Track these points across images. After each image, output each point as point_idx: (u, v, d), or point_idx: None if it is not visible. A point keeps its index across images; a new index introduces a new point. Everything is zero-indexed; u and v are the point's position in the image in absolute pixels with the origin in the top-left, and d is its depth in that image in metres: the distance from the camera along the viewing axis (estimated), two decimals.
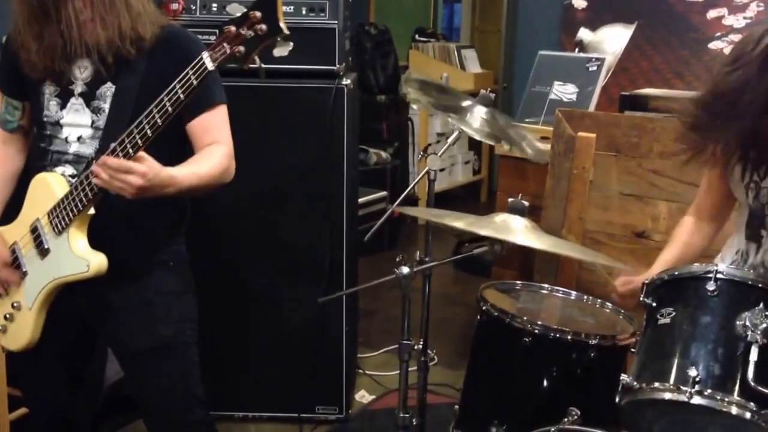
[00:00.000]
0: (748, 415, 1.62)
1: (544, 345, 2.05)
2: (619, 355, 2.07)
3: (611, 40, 4.19)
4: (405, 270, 2.04)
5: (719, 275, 1.75)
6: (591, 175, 2.95)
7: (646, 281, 1.90)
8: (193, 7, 2.85)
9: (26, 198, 2.02)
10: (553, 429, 1.94)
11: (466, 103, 2.51)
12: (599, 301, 2.30)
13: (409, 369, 2.20)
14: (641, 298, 1.90)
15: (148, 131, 1.76)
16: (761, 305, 1.68)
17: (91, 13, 1.87)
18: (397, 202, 2.44)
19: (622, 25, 4.21)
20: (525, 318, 2.09)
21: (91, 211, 1.90)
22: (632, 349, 1.98)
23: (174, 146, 1.99)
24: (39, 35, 1.90)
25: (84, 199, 1.86)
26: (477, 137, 2.45)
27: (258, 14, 1.65)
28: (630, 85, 3.99)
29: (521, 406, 2.10)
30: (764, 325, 1.64)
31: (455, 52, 6.70)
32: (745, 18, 3.94)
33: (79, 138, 1.98)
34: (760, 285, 1.73)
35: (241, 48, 1.68)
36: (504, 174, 3.40)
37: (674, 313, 1.79)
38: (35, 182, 2.00)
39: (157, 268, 2.08)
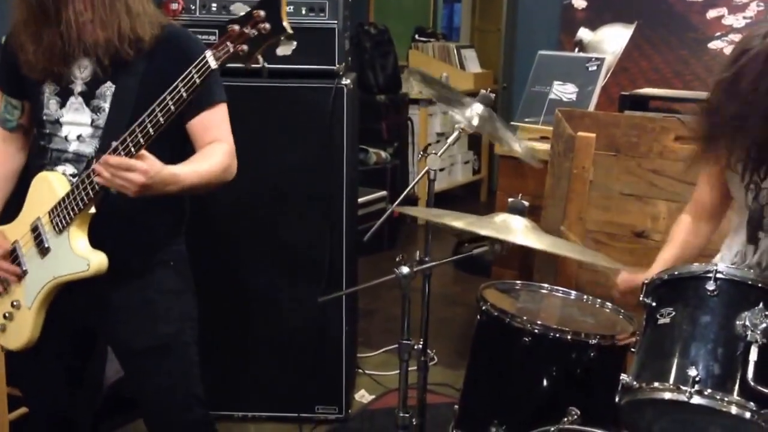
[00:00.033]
0: (747, 414, 1.62)
1: (544, 345, 2.05)
2: (618, 355, 2.07)
3: (611, 40, 4.19)
4: (405, 270, 2.04)
5: (719, 275, 1.75)
6: (591, 175, 2.95)
7: (646, 281, 1.91)
8: (193, 7, 2.85)
9: (27, 197, 2.02)
10: (552, 429, 1.94)
11: (466, 100, 2.51)
12: (599, 300, 2.30)
13: (409, 369, 2.19)
14: (641, 298, 1.90)
15: (151, 130, 1.76)
16: (761, 305, 1.68)
17: (91, 15, 1.87)
18: (396, 202, 2.44)
19: (622, 25, 4.21)
20: (525, 318, 2.09)
21: (92, 210, 1.90)
22: (632, 349, 1.98)
23: (175, 145, 2.00)
24: (37, 36, 1.90)
25: (85, 198, 1.86)
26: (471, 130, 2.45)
27: (262, 13, 1.65)
28: (630, 85, 3.99)
29: (521, 406, 2.10)
30: (764, 325, 1.64)
31: (455, 52, 6.70)
32: (744, 18, 3.94)
33: (78, 137, 1.98)
34: (759, 285, 1.73)
35: (245, 47, 1.68)
36: (504, 174, 3.40)
37: (674, 313, 1.79)
38: (36, 181, 2.00)
39: (157, 267, 2.08)
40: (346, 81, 2.91)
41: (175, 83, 1.74)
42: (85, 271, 1.90)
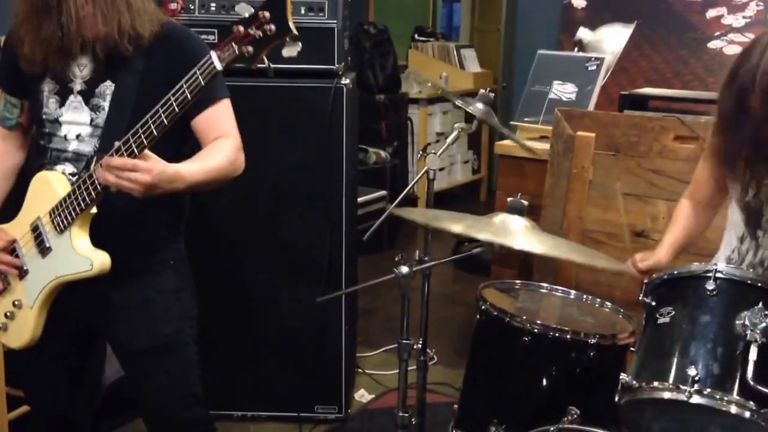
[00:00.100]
0: (747, 414, 1.63)
1: (544, 344, 2.05)
2: (618, 355, 2.07)
3: (610, 40, 4.19)
4: (404, 269, 2.04)
5: (718, 274, 1.75)
6: (590, 175, 2.95)
7: (646, 281, 1.91)
8: (192, 7, 2.85)
9: (27, 196, 2.02)
10: (552, 428, 1.94)
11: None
12: (598, 300, 2.31)
13: (409, 368, 2.20)
14: (640, 297, 1.90)
15: (154, 131, 1.76)
16: (760, 304, 1.68)
17: (92, 9, 1.86)
18: (396, 202, 2.44)
19: (622, 25, 4.21)
20: (524, 317, 2.09)
21: (94, 210, 1.90)
22: (631, 348, 1.98)
23: (177, 143, 1.99)
24: (38, 27, 1.89)
25: (87, 198, 1.86)
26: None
27: (267, 14, 1.65)
28: (629, 85, 3.99)
29: (521, 406, 2.10)
30: (763, 325, 1.65)
31: (454, 52, 6.70)
32: (744, 17, 3.93)
33: (77, 136, 1.98)
34: (759, 284, 1.73)
35: (250, 48, 1.67)
36: (503, 173, 3.40)
37: (674, 313, 1.79)
38: (36, 180, 2.00)
39: (157, 267, 2.08)
40: (345, 80, 2.91)
41: (179, 84, 1.73)
42: (89, 270, 1.90)
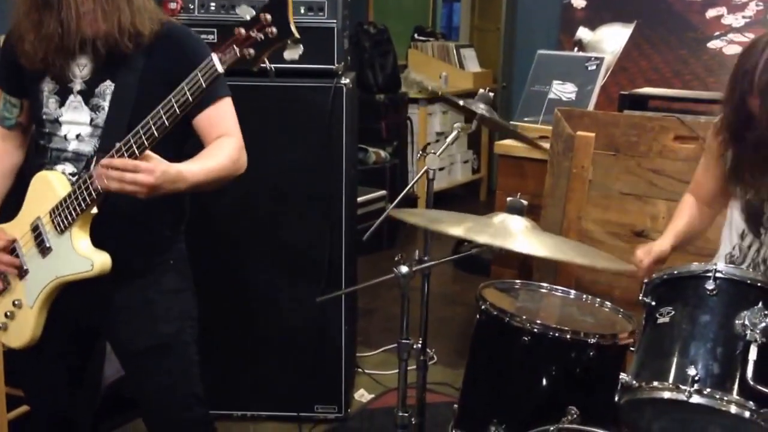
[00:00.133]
0: (747, 414, 1.63)
1: (543, 344, 2.05)
2: (618, 354, 2.07)
3: (610, 40, 4.19)
4: (404, 269, 2.04)
5: (718, 274, 1.75)
6: (590, 174, 2.95)
7: (646, 281, 1.91)
8: (192, 6, 2.85)
9: (27, 196, 2.02)
10: (552, 428, 1.94)
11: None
12: (598, 300, 2.30)
13: (408, 368, 2.20)
14: (640, 297, 1.90)
15: (155, 132, 1.76)
16: (760, 304, 1.68)
17: (92, 5, 1.86)
18: (395, 202, 2.44)
19: (621, 25, 4.21)
20: (524, 317, 2.09)
21: (94, 210, 1.89)
22: (631, 348, 1.98)
23: (179, 143, 1.99)
24: (38, 24, 1.89)
25: (87, 198, 1.86)
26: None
27: (268, 17, 1.65)
28: (629, 85, 3.99)
29: (520, 405, 2.10)
30: (763, 324, 1.65)
31: (454, 51, 6.70)
32: (744, 17, 3.93)
33: (77, 136, 1.98)
34: (759, 284, 1.73)
35: (251, 50, 1.67)
36: (503, 173, 3.40)
37: (673, 312, 1.79)
38: (36, 180, 2.00)
39: (158, 267, 2.08)
40: (345, 80, 2.91)
41: (180, 86, 1.73)
42: (89, 271, 1.90)
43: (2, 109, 2.11)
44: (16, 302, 2.03)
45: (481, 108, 2.46)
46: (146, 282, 2.05)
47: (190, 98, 1.73)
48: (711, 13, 4.02)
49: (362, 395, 3.40)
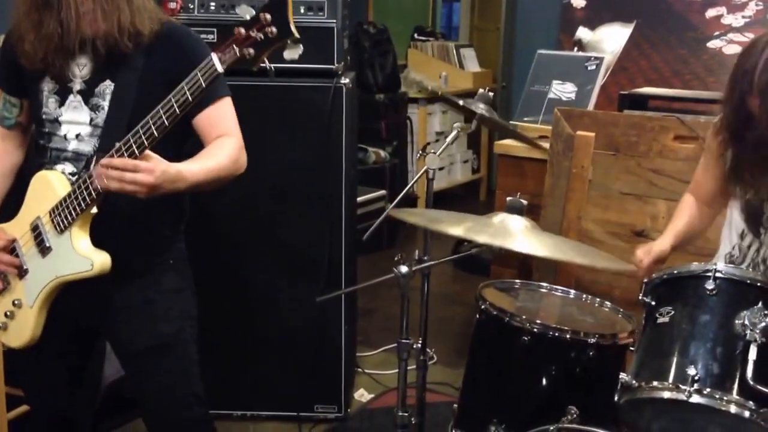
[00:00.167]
0: (747, 413, 1.63)
1: (543, 344, 2.05)
2: (618, 354, 2.07)
3: (610, 39, 4.19)
4: (404, 269, 2.04)
5: (718, 274, 1.75)
6: (590, 174, 2.95)
7: (645, 281, 1.91)
8: (191, 6, 2.85)
9: (27, 195, 2.02)
10: (552, 428, 1.94)
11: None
12: (598, 299, 2.30)
13: (408, 368, 2.20)
14: (640, 297, 1.90)
15: (155, 131, 1.76)
16: (760, 304, 1.68)
17: (92, 5, 1.86)
18: (395, 202, 2.44)
19: (621, 24, 4.21)
20: (524, 317, 2.09)
21: (94, 210, 1.89)
22: (631, 348, 1.98)
23: (179, 142, 1.99)
24: (38, 23, 1.89)
25: (87, 198, 1.86)
26: None
27: (268, 17, 1.65)
28: (629, 84, 3.99)
29: (520, 405, 2.10)
30: (763, 324, 1.65)
31: (454, 51, 6.70)
32: (744, 17, 3.94)
33: (77, 135, 1.98)
34: (759, 284, 1.73)
35: (251, 50, 1.67)
36: (503, 173, 3.40)
37: (673, 312, 1.79)
38: (36, 180, 2.00)
39: (158, 266, 2.08)
40: (345, 80, 2.91)
41: (180, 86, 1.73)
42: (89, 270, 1.90)
43: (2, 108, 2.11)
44: (16, 302, 2.03)
45: (480, 108, 2.46)
46: (146, 282, 2.05)
47: (190, 98, 1.73)
48: (711, 12, 4.02)
49: (362, 395, 3.40)
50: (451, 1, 8.04)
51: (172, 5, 2.81)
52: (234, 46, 1.68)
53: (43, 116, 2.01)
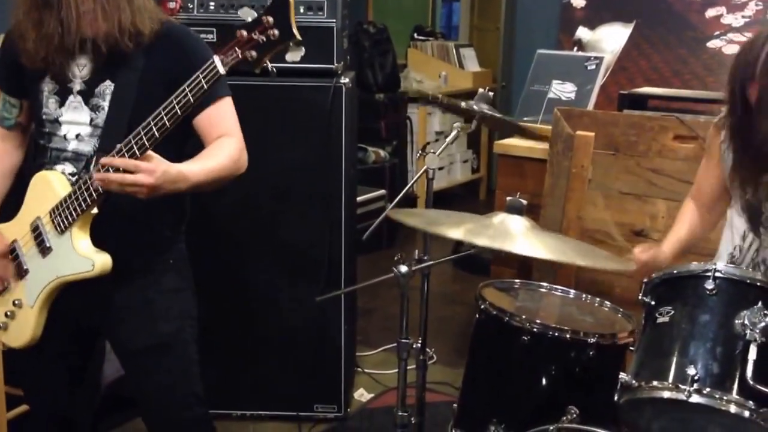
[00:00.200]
0: (746, 413, 1.63)
1: (543, 343, 2.05)
2: (617, 354, 2.07)
3: (610, 39, 4.20)
4: (403, 268, 2.04)
5: (718, 274, 1.75)
6: (589, 174, 2.95)
7: (645, 280, 1.91)
8: (191, 6, 2.84)
9: (26, 196, 2.02)
10: (551, 427, 1.94)
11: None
12: (598, 299, 2.30)
13: (408, 367, 2.20)
14: (640, 297, 1.90)
15: (156, 132, 1.76)
16: (760, 304, 1.68)
17: (92, 4, 1.86)
18: (395, 201, 2.44)
19: (621, 24, 4.21)
20: (523, 316, 2.08)
21: (94, 210, 1.90)
22: (631, 348, 1.98)
23: (179, 143, 2.00)
24: (38, 23, 1.89)
25: (88, 198, 1.86)
26: None
27: (270, 19, 1.65)
28: (628, 84, 4.00)
29: (520, 405, 2.10)
30: (763, 324, 1.65)
31: (454, 51, 6.70)
32: (743, 17, 3.94)
33: (77, 136, 1.98)
34: (758, 284, 1.73)
35: (253, 53, 1.67)
36: (502, 172, 3.40)
37: (673, 312, 1.79)
38: (36, 180, 2.00)
39: (158, 266, 2.08)
40: (344, 80, 2.91)
41: (182, 87, 1.74)
42: (90, 271, 1.90)
43: (2, 109, 2.11)
44: (17, 302, 2.03)
45: (484, 108, 2.46)
46: (146, 281, 2.06)
47: (192, 99, 1.74)
48: (710, 12, 4.02)
49: (362, 395, 3.40)
50: (451, 0, 8.04)
51: (172, 5, 2.81)
52: (236, 48, 1.68)
53: (44, 117, 2.01)
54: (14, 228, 2.03)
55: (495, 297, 2.25)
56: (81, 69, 1.96)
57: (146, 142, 1.76)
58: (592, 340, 2.02)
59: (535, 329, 2.05)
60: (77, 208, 1.88)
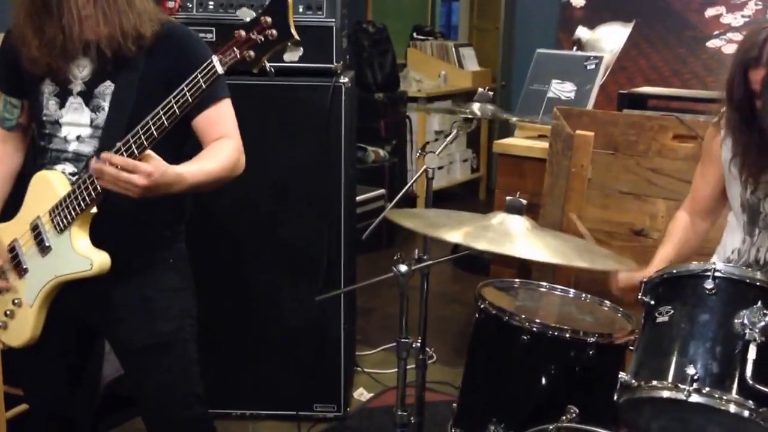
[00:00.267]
0: (746, 413, 1.62)
1: (543, 343, 2.05)
2: (617, 353, 2.07)
3: (609, 39, 4.20)
4: (403, 268, 2.04)
5: (717, 273, 1.75)
6: (589, 173, 2.95)
7: (645, 280, 1.91)
8: (190, 5, 2.84)
9: (26, 195, 2.02)
10: (551, 427, 1.94)
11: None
12: (597, 299, 2.30)
13: (408, 367, 2.20)
14: (639, 296, 1.90)
15: (155, 132, 1.76)
16: (759, 303, 1.68)
17: (92, 9, 1.86)
18: (394, 201, 2.44)
19: (620, 24, 4.21)
20: (523, 316, 2.08)
21: (94, 210, 1.90)
22: (630, 347, 1.98)
23: (178, 144, 2.00)
24: (40, 30, 1.89)
25: (87, 198, 1.86)
26: None
27: (269, 19, 1.65)
28: (628, 84, 4.00)
29: (519, 404, 2.10)
30: (762, 324, 1.64)
31: (453, 50, 6.71)
32: (743, 16, 3.94)
33: (78, 137, 1.98)
34: (758, 283, 1.73)
35: (252, 52, 1.68)
36: (502, 172, 3.40)
37: (672, 312, 1.79)
38: (36, 180, 2.00)
39: (157, 265, 2.08)
40: (344, 79, 2.91)
41: (180, 87, 1.74)
42: (88, 270, 1.90)
43: (3, 110, 2.11)
44: (16, 301, 2.03)
45: (488, 108, 2.46)
46: (146, 281, 2.06)
47: (190, 99, 1.74)
48: (710, 12, 4.03)
49: (361, 394, 3.40)
50: (450, 0, 8.04)
51: (171, 4, 2.81)
52: (234, 48, 1.68)
53: (44, 118, 2.01)
54: (14, 227, 2.03)
55: (494, 296, 2.25)
56: (81, 70, 1.96)
57: (145, 142, 1.76)
58: (592, 340, 2.02)
59: (534, 329, 2.05)
60: (76, 207, 1.88)
